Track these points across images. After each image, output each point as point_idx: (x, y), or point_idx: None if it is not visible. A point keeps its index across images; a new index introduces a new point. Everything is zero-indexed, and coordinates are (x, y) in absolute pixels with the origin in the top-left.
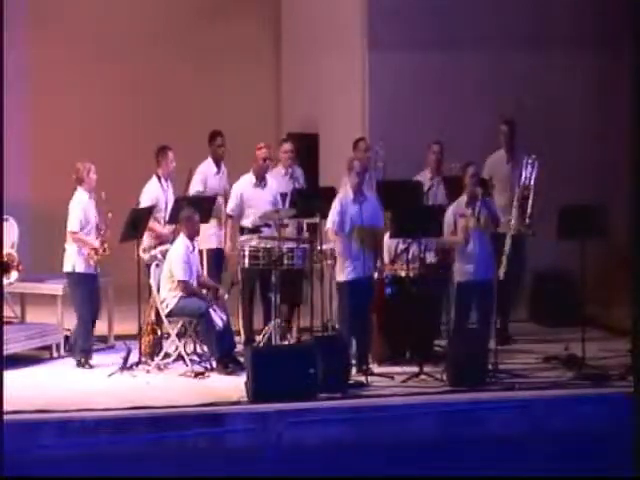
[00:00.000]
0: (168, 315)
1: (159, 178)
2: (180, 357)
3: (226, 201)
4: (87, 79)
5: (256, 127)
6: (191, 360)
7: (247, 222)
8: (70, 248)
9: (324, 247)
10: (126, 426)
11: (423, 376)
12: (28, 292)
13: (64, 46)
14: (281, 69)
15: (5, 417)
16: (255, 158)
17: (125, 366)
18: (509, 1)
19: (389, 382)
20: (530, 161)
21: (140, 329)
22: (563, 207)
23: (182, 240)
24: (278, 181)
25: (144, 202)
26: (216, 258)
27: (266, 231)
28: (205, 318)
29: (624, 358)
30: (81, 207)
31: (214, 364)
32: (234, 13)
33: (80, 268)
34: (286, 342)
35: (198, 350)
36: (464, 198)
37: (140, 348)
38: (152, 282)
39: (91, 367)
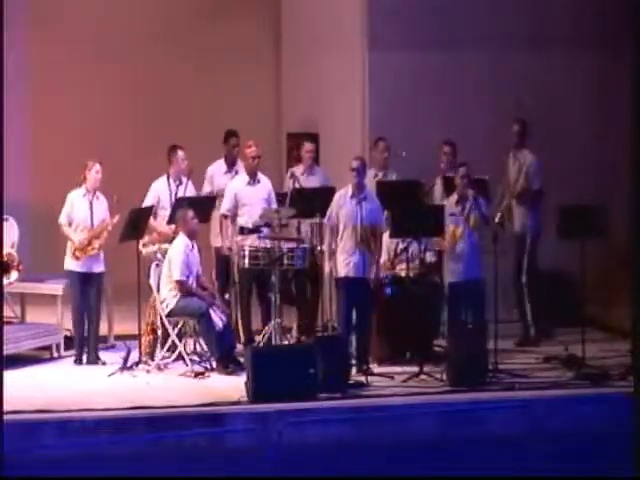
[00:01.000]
0: (168, 315)
1: (168, 177)
2: (180, 357)
3: None
4: (87, 79)
5: (256, 127)
6: (191, 360)
7: (243, 221)
8: (67, 246)
9: (324, 247)
10: (126, 426)
11: (423, 376)
12: (28, 292)
13: (64, 46)
14: (281, 69)
15: (5, 417)
16: (245, 156)
17: (125, 366)
18: (509, 1)
19: (389, 382)
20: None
21: (140, 329)
22: (563, 207)
23: (181, 239)
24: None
25: (147, 200)
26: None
27: (266, 231)
28: (205, 318)
29: (624, 358)
30: (71, 202)
31: (214, 364)
32: (234, 13)
33: (71, 266)
34: (286, 342)
35: (198, 350)
36: (454, 197)
37: (140, 348)
38: (152, 282)
39: (81, 363)
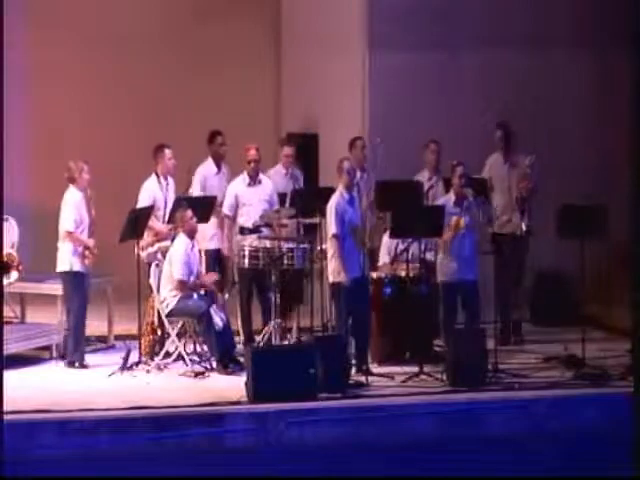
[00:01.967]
0: (168, 315)
1: (157, 176)
2: (180, 357)
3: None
4: (86, 79)
5: (256, 127)
6: (191, 360)
7: (245, 222)
8: (64, 247)
9: (324, 247)
10: (126, 426)
11: (423, 376)
12: (28, 292)
13: (64, 46)
14: (281, 69)
15: (5, 417)
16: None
17: (125, 366)
18: (509, 1)
19: (389, 382)
20: (528, 162)
21: (140, 329)
22: (563, 207)
23: (182, 239)
24: (276, 181)
25: (142, 200)
26: (215, 259)
27: (266, 231)
28: (205, 318)
29: (624, 358)
30: (75, 206)
31: (214, 364)
32: (234, 13)
33: (77, 267)
34: (286, 342)
35: (198, 350)
36: (452, 197)
37: (140, 348)
38: (152, 282)
39: (84, 367)
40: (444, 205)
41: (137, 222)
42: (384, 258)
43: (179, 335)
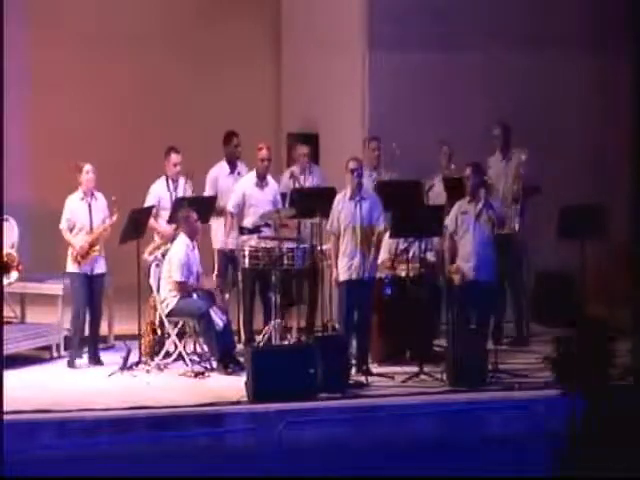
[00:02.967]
0: (168, 315)
1: (167, 178)
2: (180, 357)
3: None
4: (87, 79)
5: (256, 127)
6: (191, 360)
7: (247, 222)
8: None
9: (324, 247)
10: (126, 426)
11: (423, 376)
12: (28, 292)
13: (64, 46)
14: (281, 69)
15: (5, 417)
16: (256, 158)
17: (125, 366)
18: (509, 1)
19: (389, 382)
20: (524, 159)
21: (140, 329)
22: (563, 207)
23: (182, 239)
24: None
25: (148, 201)
26: (229, 258)
27: (266, 231)
28: (205, 318)
29: (624, 358)
30: (70, 207)
31: (214, 364)
32: (234, 13)
33: (71, 268)
34: (286, 342)
35: (198, 350)
36: (466, 198)
37: (140, 348)
38: (152, 282)
39: (74, 367)
40: (444, 205)
41: (138, 222)
42: (383, 255)
43: (179, 335)
